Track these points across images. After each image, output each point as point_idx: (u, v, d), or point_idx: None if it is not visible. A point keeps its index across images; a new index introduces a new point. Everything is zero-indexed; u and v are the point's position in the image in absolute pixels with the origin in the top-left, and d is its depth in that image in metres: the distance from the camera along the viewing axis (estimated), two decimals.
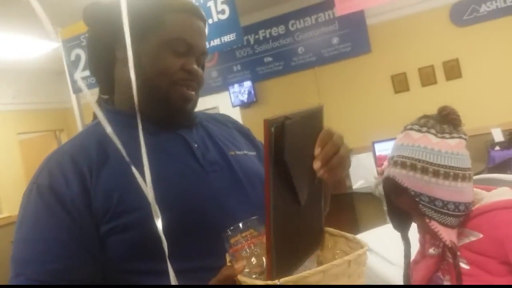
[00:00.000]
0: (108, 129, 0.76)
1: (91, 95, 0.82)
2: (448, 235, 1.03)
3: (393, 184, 1.10)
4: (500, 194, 1.09)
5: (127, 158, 0.77)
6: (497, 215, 1.03)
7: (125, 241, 0.79)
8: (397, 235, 1.27)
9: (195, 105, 0.99)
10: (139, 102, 0.86)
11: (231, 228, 0.74)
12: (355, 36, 4.84)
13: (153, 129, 0.91)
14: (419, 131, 1.10)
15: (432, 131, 1.08)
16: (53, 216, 0.79)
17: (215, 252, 0.80)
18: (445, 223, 1.04)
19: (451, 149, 1.05)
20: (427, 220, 1.05)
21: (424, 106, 5.01)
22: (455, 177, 1.04)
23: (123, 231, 0.79)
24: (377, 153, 4.28)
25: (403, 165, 1.08)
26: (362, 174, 4.55)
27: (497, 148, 3.90)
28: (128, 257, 0.80)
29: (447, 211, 1.04)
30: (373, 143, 4.38)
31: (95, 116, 0.98)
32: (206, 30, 1.01)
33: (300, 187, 0.68)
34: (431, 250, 1.17)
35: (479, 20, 4.37)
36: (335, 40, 4.94)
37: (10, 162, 5.83)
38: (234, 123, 1.16)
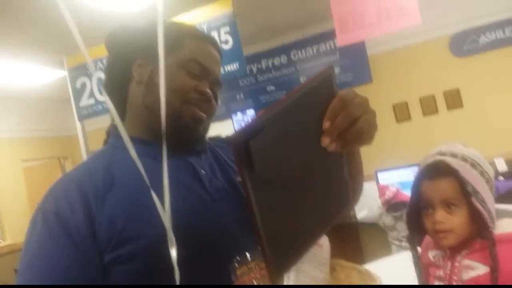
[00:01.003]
0: (133, 154, 0.76)
1: (97, 122, 0.83)
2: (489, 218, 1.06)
3: (439, 169, 1.13)
4: (506, 226, 1.08)
5: (147, 182, 0.76)
6: (508, 249, 1.02)
7: (129, 271, 0.78)
8: (402, 266, 1.26)
9: (206, 129, 1.00)
10: (152, 123, 0.89)
11: (238, 258, 0.73)
12: (356, 66, 4.91)
13: (160, 156, 0.90)
14: (465, 146, 1.18)
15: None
16: (57, 242, 0.78)
17: (222, 281, 0.79)
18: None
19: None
20: (473, 200, 1.07)
21: (426, 135, 5.02)
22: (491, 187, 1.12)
23: (126, 261, 0.78)
24: (380, 182, 4.27)
25: (464, 159, 1.12)
26: (366, 204, 4.51)
27: (501, 178, 3.87)
28: None
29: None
30: (376, 172, 4.37)
31: (105, 142, 1.00)
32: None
33: (298, 177, 0.62)
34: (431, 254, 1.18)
35: (479, 50, 4.43)
36: (336, 70, 5.00)
37: (14, 189, 5.82)
38: None
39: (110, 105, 0.79)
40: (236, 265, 0.73)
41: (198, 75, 0.94)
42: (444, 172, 1.12)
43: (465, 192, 1.07)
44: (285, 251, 0.62)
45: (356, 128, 0.65)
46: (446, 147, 1.17)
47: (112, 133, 1.00)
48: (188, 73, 0.93)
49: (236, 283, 0.72)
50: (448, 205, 1.11)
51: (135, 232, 0.79)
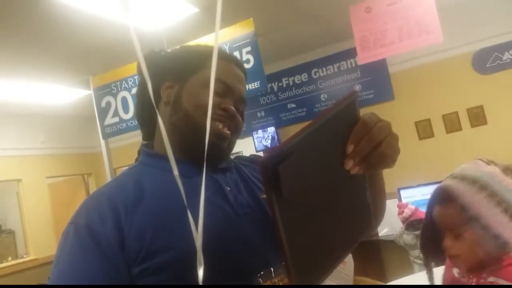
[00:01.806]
0: (175, 172, 0.77)
1: (121, 139, 0.86)
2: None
3: (445, 194, 1.11)
4: None
5: (185, 201, 0.78)
6: None
7: (156, 283, 0.79)
8: (424, 284, 1.25)
9: (230, 146, 1.01)
10: (178, 141, 0.92)
11: (262, 273, 0.74)
12: (377, 83, 4.90)
13: (187, 173, 0.93)
14: (487, 164, 1.12)
15: (498, 167, 1.11)
16: (87, 254, 0.81)
17: None
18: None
19: None
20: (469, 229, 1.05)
21: (449, 152, 4.95)
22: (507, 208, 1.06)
23: (154, 273, 0.80)
24: (403, 200, 4.22)
25: (473, 182, 1.09)
26: (388, 222, 4.45)
27: None
28: None
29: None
30: (399, 189, 4.32)
31: (136, 160, 1.03)
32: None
33: (323, 199, 0.63)
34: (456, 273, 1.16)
35: (503, 67, 4.38)
36: (357, 87, 5.00)
37: (38, 205, 5.94)
38: None
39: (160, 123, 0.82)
40: (260, 280, 0.74)
41: (222, 93, 0.97)
42: (450, 198, 1.11)
43: (469, 217, 1.07)
44: (310, 270, 0.62)
45: (379, 151, 0.67)
46: (461, 169, 1.15)
47: (143, 151, 1.03)
48: (214, 94, 0.95)
49: None
50: (455, 232, 1.10)
51: (163, 245, 0.81)
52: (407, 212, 3.31)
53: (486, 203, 1.06)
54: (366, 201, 0.74)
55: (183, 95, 0.97)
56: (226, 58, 1.01)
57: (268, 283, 0.73)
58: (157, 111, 0.87)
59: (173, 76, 1.00)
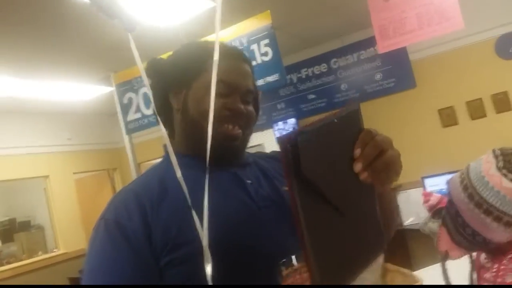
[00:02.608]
0: (179, 174, 0.83)
1: (144, 134, 0.89)
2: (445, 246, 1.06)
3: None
4: None
5: (189, 201, 0.83)
6: None
7: (183, 273, 0.83)
8: (451, 273, 1.24)
9: (244, 143, 1.02)
10: (192, 145, 0.94)
11: (284, 260, 0.76)
12: (398, 71, 4.84)
13: (209, 168, 0.96)
14: (499, 169, 1.08)
15: (510, 176, 1.07)
16: (117, 248, 0.85)
17: (268, 283, 0.84)
18: (455, 239, 1.08)
19: None
20: (442, 227, 1.08)
21: (475, 140, 4.90)
22: (507, 224, 1.04)
23: (181, 264, 0.83)
24: (428, 189, 4.18)
25: (465, 188, 1.09)
26: (413, 211, 4.43)
27: None
28: None
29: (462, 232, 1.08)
30: (423, 178, 4.28)
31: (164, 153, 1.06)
32: (251, 71, 1.06)
33: (337, 198, 0.64)
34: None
35: None
36: (378, 76, 4.96)
37: (66, 200, 6.10)
38: None
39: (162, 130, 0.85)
40: (282, 267, 0.76)
41: (226, 93, 0.97)
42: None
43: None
44: (330, 267, 0.63)
45: (384, 159, 0.70)
46: (470, 165, 1.16)
47: (166, 149, 1.06)
48: (216, 94, 0.95)
49: (282, 283, 0.75)
50: None
51: (186, 238, 0.84)
52: (433, 200, 3.28)
53: (466, 202, 1.07)
54: (377, 218, 0.76)
55: (189, 102, 0.98)
56: (226, 55, 0.99)
57: (290, 270, 0.75)
58: (158, 118, 0.92)
59: (177, 83, 1.01)
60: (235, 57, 1.02)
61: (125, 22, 0.97)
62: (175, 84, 1.01)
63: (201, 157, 0.93)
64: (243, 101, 0.99)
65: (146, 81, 0.94)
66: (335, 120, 0.64)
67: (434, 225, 3.75)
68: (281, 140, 0.56)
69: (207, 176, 0.87)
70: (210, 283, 0.77)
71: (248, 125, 1.02)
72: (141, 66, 0.93)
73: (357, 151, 0.67)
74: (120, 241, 0.85)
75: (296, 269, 0.76)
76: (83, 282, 0.86)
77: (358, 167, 0.67)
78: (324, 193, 0.61)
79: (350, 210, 0.66)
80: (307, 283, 0.73)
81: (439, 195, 3.54)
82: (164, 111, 1.04)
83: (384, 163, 0.70)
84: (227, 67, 0.98)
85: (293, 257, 0.78)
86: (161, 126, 0.97)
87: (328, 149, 0.63)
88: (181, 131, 1.02)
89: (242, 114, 0.98)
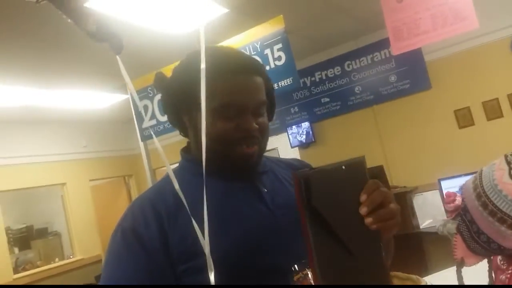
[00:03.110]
0: (176, 186, 0.86)
1: (159, 141, 0.90)
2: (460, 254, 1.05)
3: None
4: None
5: (188, 211, 0.85)
6: None
7: (199, 282, 0.83)
8: (467, 277, 1.23)
9: (260, 155, 1.01)
10: (207, 164, 0.92)
11: (296, 267, 0.79)
12: (413, 73, 4.80)
13: (226, 176, 0.98)
14: (511, 177, 1.06)
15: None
16: (133, 255, 0.87)
17: None
18: (470, 246, 1.06)
19: None
20: (457, 235, 1.06)
21: (491, 140, 4.82)
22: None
23: (196, 272, 0.84)
24: (444, 190, 4.12)
25: (479, 197, 1.07)
26: (430, 213, 4.38)
27: None
28: None
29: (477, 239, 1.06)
30: (439, 180, 4.23)
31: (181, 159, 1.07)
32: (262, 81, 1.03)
33: (346, 237, 0.69)
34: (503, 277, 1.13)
35: None
36: (392, 78, 4.92)
37: (83, 207, 6.17)
38: (306, 167, 1.16)
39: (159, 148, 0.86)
40: (295, 269, 0.79)
41: (235, 115, 0.94)
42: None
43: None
44: (334, 276, 0.69)
45: (389, 208, 0.75)
46: (482, 170, 1.14)
47: (182, 156, 1.07)
48: (225, 117, 0.94)
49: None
50: None
51: (202, 248, 0.84)
52: (459, 200, 3.23)
53: (481, 211, 1.05)
54: (382, 261, 0.79)
55: (199, 123, 0.94)
56: (233, 72, 0.95)
57: (305, 272, 0.77)
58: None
59: (186, 105, 0.99)
60: (243, 72, 0.97)
61: (113, 45, 0.98)
62: (184, 105, 0.99)
63: (215, 172, 0.93)
64: (255, 115, 0.97)
65: (136, 98, 0.98)
66: (343, 167, 0.72)
67: (454, 226, 3.68)
68: (296, 175, 0.65)
69: (204, 187, 0.86)
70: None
71: (263, 135, 1.00)
72: (130, 85, 0.95)
73: (364, 197, 0.73)
74: (137, 248, 0.87)
75: (307, 273, 0.77)
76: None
77: (364, 210, 0.72)
78: (332, 224, 0.68)
79: (356, 247, 0.71)
80: None
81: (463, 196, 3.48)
82: (178, 124, 1.04)
83: (389, 211, 0.75)
84: (235, 87, 0.94)
85: (303, 262, 0.79)
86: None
87: (336, 190, 0.71)
88: (195, 148, 1.00)
89: (255, 132, 0.96)
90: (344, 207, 0.72)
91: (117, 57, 0.98)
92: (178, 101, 1.01)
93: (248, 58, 1.02)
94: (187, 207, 0.86)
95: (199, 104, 0.92)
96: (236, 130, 0.94)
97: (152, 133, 1.14)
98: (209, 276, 0.79)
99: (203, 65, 0.88)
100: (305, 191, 0.65)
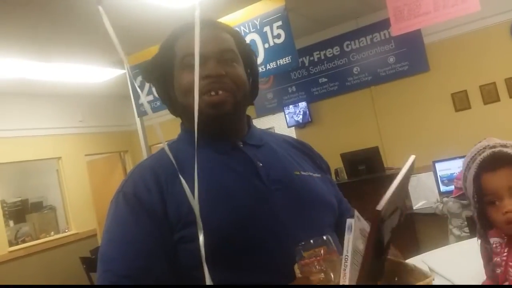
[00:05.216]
0: (171, 157, 0.90)
1: (156, 117, 0.91)
2: None
3: (504, 157, 1.11)
4: None
5: (181, 177, 0.86)
6: None
7: (193, 250, 0.83)
8: (459, 256, 1.25)
9: (236, 107, 0.98)
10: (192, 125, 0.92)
11: (303, 242, 0.78)
12: (412, 55, 4.79)
13: (222, 149, 0.99)
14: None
15: None
16: (137, 219, 0.88)
17: (272, 267, 0.86)
18: None
19: None
20: None
21: (487, 124, 4.84)
22: None
23: (190, 241, 0.85)
24: (438, 173, 4.16)
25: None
26: (424, 195, 4.43)
27: None
28: (195, 265, 0.84)
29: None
30: (434, 162, 4.26)
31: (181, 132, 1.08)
32: (227, 34, 1.03)
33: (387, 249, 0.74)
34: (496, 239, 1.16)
35: None
36: (391, 59, 4.90)
37: (78, 182, 6.17)
38: (303, 145, 1.18)
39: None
40: (302, 246, 0.78)
41: (199, 63, 0.91)
42: (506, 161, 1.10)
43: None
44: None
45: None
46: (488, 141, 1.15)
47: (181, 128, 1.08)
48: (187, 69, 0.95)
49: (301, 263, 0.77)
50: None
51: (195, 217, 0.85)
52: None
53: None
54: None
55: (176, 88, 1.00)
56: (188, 30, 0.98)
57: (311, 251, 0.77)
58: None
59: (163, 77, 1.03)
60: (205, 26, 0.96)
61: None
62: (163, 79, 1.03)
63: (205, 134, 0.94)
64: (221, 62, 0.96)
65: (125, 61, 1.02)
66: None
67: (455, 205, 3.72)
68: (376, 213, 0.64)
69: (195, 153, 0.88)
70: (202, 253, 0.80)
71: (237, 86, 0.97)
72: (116, 41, 0.95)
73: None
74: (141, 214, 0.88)
75: (316, 251, 0.77)
76: (102, 251, 0.88)
77: None
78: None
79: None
80: (325, 265, 0.75)
81: None
82: (169, 100, 1.06)
83: None
84: (190, 40, 0.93)
85: (312, 240, 0.79)
86: None
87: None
88: (186, 119, 1.04)
89: (222, 77, 0.94)
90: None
91: (99, 7, 0.96)
92: (160, 75, 1.03)
93: (218, 21, 1.06)
94: (180, 177, 0.86)
95: (173, 72, 0.99)
96: (201, 78, 0.91)
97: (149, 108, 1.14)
98: (199, 237, 0.80)
99: (197, 39, 0.89)
100: (379, 231, 0.66)
